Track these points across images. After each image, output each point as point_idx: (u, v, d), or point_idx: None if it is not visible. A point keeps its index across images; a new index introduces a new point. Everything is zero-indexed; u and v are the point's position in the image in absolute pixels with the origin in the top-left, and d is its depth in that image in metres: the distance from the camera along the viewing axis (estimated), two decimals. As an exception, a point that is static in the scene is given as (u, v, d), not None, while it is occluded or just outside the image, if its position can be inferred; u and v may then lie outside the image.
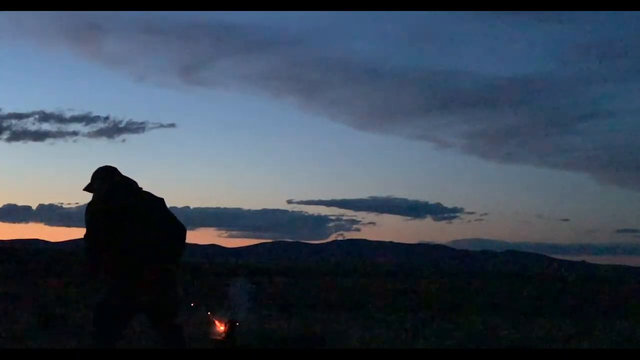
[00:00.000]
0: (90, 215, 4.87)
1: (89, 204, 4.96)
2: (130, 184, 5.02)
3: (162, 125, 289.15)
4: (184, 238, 5.04)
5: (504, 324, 11.51)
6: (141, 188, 5.04)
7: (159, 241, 4.84)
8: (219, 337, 7.24)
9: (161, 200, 5.04)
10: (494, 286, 38.85)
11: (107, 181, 4.96)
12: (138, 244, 4.77)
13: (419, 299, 25.14)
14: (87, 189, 5.04)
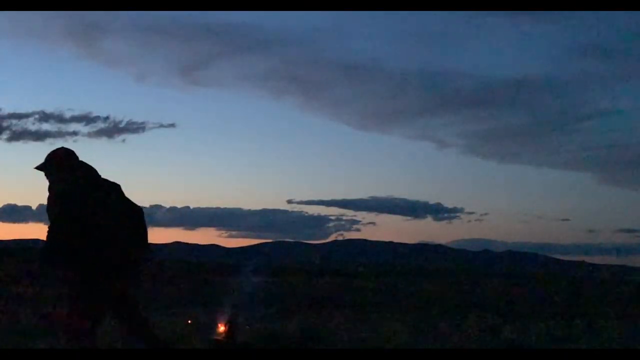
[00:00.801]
0: (57, 206, 4.69)
1: (49, 197, 4.77)
2: (90, 170, 4.88)
3: (162, 125, 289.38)
4: (144, 222, 4.96)
5: (504, 324, 11.50)
6: (99, 175, 4.90)
7: (123, 228, 4.76)
8: (218, 337, 7.24)
9: (118, 186, 4.93)
10: (494, 286, 38.84)
11: (66, 167, 4.82)
12: (103, 231, 4.67)
13: (420, 299, 25.13)
14: (40, 168, 4.88)
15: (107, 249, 4.67)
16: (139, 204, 5.04)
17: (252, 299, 8.06)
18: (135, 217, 4.90)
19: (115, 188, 4.91)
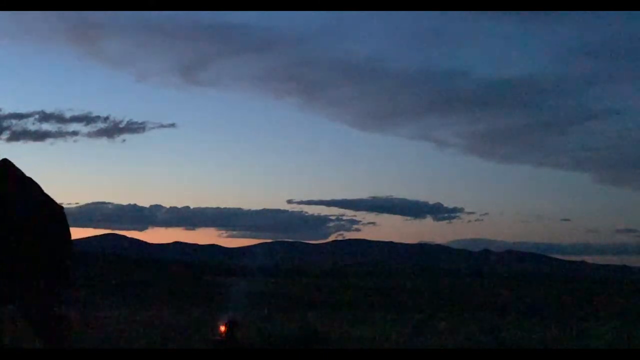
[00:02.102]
0: None
1: None
2: (6, 164, 4.62)
3: (162, 125, 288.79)
4: (66, 220, 4.71)
5: (504, 324, 11.51)
6: (18, 169, 4.64)
7: (45, 227, 4.54)
8: (219, 337, 7.25)
9: (35, 183, 4.67)
10: (493, 286, 38.90)
11: None
12: (24, 231, 4.45)
13: (419, 299, 25.17)
14: None
15: (28, 249, 4.47)
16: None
17: (251, 299, 8.06)
18: (57, 216, 4.66)
19: (34, 185, 4.68)
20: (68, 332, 4.74)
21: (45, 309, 4.62)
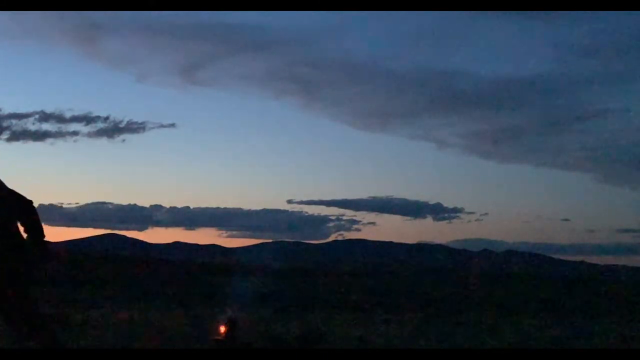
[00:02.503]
0: None
1: None
2: None
3: (162, 125, 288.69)
4: (36, 215, 4.54)
5: (503, 324, 11.51)
6: None
7: (11, 219, 4.44)
8: (219, 337, 7.24)
9: (1, 180, 4.53)
10: (493, 286, 38.91)
11: None
12: None
13: (419, 299, 25.16)
14: None
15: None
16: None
17: (252, 299, 8.06)
18: (23, 210, 4.52)
19: None
20: (53, 332, 4.69)
21: (22, 304, 4.54)
